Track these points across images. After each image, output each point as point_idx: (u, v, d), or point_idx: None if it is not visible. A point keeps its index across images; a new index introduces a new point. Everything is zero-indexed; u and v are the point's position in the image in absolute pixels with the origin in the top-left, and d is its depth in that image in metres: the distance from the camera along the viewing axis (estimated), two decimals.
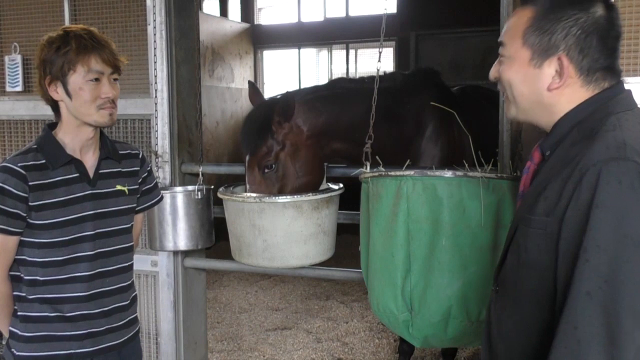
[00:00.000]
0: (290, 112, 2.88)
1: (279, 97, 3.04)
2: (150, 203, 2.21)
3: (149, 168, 2.19)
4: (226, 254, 3.07)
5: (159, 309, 3.42)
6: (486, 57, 6.82)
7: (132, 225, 2.08)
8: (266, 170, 2.88)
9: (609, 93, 1.35)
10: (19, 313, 1.90)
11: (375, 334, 4.49)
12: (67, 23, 3.32)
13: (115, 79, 1.93)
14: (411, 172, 2.37)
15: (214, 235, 3.27)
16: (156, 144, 3.28)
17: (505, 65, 1.44)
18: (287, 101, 2.88)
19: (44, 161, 1.85)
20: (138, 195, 2.12)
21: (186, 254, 3.40)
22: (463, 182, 2.33)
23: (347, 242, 3.81)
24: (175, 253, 3.35)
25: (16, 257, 1.86)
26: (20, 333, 1.90)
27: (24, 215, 1.81)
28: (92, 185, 1.93)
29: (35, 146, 1.89)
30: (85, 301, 1.91)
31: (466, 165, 2.66)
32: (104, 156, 1.99)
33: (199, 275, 3.63)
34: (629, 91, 1.38)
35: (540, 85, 1.37)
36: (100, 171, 1.97)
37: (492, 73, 1.51)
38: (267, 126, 2.89)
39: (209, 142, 7.22)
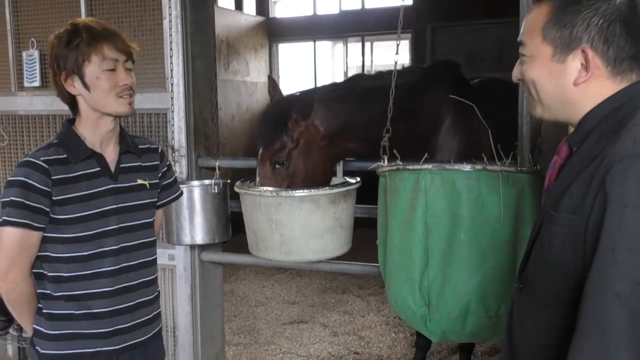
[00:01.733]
0: (309, 110, 2.87)
1: (298, 94, 3.03)
2: (170, 198, 2.20)
3: (168, 163, 2.18)
4: (242, 248, 3.07)
5: (177, 302, 3.43)
6: (503, 49, 6.73)
7: (153, 219, 2.07)
8: (277, 166, 2.87)
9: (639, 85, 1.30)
10: (44, 311, 1.88)
11: (391, 328, 4.47)
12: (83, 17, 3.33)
13: (129, 69, 1.91)
14: (429, 166, 2.34)
15: (231, 229, 3.27)
16: (172, 138, 3.28)
17: (527, 65, 1.41)
18: (306, 99, 2.87)
19: (65, 156, 1.84)
20: (158, 190, 2.11)
21: (203, 247, 3.41)
22: (482, 176, 2.30)
23: (363, 236, 3.78)
24: (192, 247, 3.36)
25: (39, 253, 1.84)
26: (45, 331, 1.88)
27: (47, 210, 1.79)
28: (113, 179, 1.92)
29: (55, 141, 1.87)
30: (111, 297, 1.90)
31: (485, 159, 2.62)
32: (124, 150, 1.98)
33: (215, 269, 3.63)
34: None
35: (566, 81, 1.33)
36: (121, 165, 1.96)
37: (515, 74, 1.48)
38: (284, 123, 2.88)
39: (224, 136, 7.22)
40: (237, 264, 4.39)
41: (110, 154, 1.94)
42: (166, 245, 3.29)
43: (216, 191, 3.09)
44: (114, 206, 1.90)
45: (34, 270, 1.87)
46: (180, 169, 3.30)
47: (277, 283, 5.68)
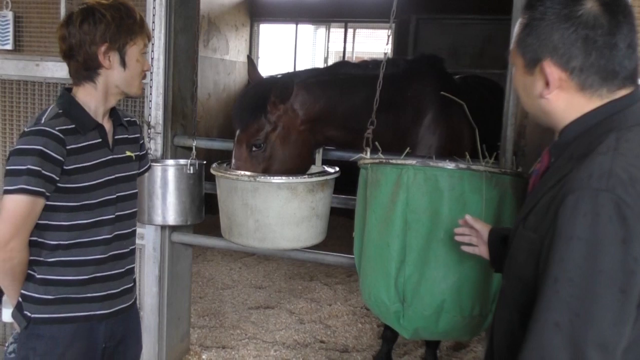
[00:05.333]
0: (288, 94, 2.82)
1: (279, 76, 2.96)
2: (144, 169, 2.26)
3: (143, 135, 2.30)
4: (212, 229, 3.01)
5: (144, 282, 3.35)
6: (485, 46, 6.74)
7: (137, 190, 2.14)
8: (254, 149, 2.83)
9: (620, 103, 1.26)
10: (38, 276, 1.90)
11: (358, 318, 4.46)
12: None
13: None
14: (413, 162, 2.31)
15: (204, 211, 3.20)
16: (149, 115, 3.18)
17: (514, 73, 1.42)
18: (286, 83, 2.82)
19: (74, 126, 1.87)
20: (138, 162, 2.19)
21: (174, 228, 3.34)
22: (465, 175, 2.28)
23: (334, 224, 3.74)
24: (163, 227, 3.29)
25: (38, 221, 1.85)
26: (37, 296, 1.90)
27: (57, 179, 1.81)
28: (111, 150, 1.98)
29: (60, 111, 1.88)
30: (105, 263, 1.96)
31: (468, 157, 2.60)
32: (117, 122, 2.04)
33: (185, 250, 3.56)
34: None
35: (535, 93, 1.33)
36: (116, 137, 2.02)
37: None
38: (262, 105, 2.83)
39: (199, 114, 7.08)
40: (209, 247, 4.32)
41: (107, 126, 2.00)
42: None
43: (191, 172, 3.02)
44: (113, 176, 1.97)
45: (30, 238, 1.88)
46: (156, 146, 3.21)
47: (245, 266, 5.62)
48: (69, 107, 1.89)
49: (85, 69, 1.89)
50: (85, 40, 1.85)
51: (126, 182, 2.04)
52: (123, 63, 1.91)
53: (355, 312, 4.56)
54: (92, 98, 1.93)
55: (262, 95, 2.84)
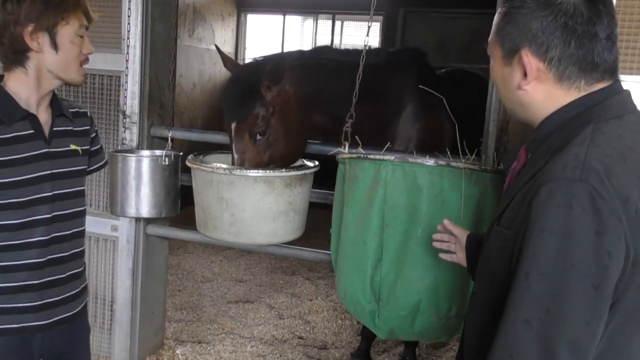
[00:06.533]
0: (281, 75, 2.72)
1: (262, 59, 2.87)
2: (98, 165, 2.09)
3: (96, 128, 2.09)
4: (191, 221, 2.93)
5: (117, 275, 3.28)
6: (474, 40, 6.68)
7: (84, 188, 1.96)
8: (258, 137, 2.71)
9: (598, 96, 1.23)
10: None
11: (338, 314, 4.41)
12: None
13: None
14: (391, 157, 2.25)
15: (179, 203, 3.12)
16: (125, 104, 3.10)
17: (491, 65, 1.38)
18: (278, 64, 2.71)
19: None
20: (88, 156, 2.01)
21: (149, 220, 3.26)
22: (445, 172, 2.22)
23: (315, 217, 3.66)
24: (138, 219, 3.20)
25: None
26: None
27: None
28: (47, 143, 1.80)
29: None
30: (41, 268, 1.78)
31: (448, 153, 2.54)
32: (57, 113, 1.86)
33: (161, 243, 3.48)
34: (627, 93, 1.25)
35: (512, 84, 1.29)
36: (55, 129, 1.84)
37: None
38: (256, 90, 2.70)
39: (184, 105, 6.99)
40: (184, 240, 4.24)
41: (43, 116, 1.81)
42: (109, 215, 3.12)
43: (167, 163, 2.93)
44: (49, 172, 1.79)
45: None
46: (131, 136, 3.13)
47: (226, 259, 5.54)
48: None
49: (12, 52, 1.72)
50: (9, 20, 1.68)
51: (67, 179, 1.85)
52: (54, 45, 1.72)
53: (336, 308, 4.50)
54: (23, 85, 1.75)
55: (251, 81, 2.72)
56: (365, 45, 2.64)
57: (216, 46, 3.18)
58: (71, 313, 1.90)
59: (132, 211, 2.95)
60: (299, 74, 2.82)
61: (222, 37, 7.75)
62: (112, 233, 3.24)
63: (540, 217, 1.08)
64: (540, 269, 1.07)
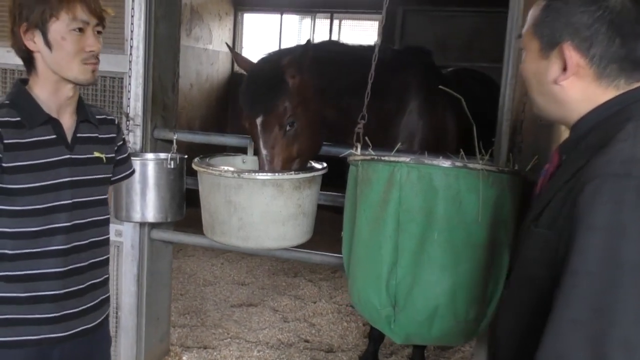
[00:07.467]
0: (307, 62, 2.63)
1: (275, 53, 2.80)
2: (123, 175, 2.04)
3: (124, 136, 2.03)
4: (193, 223, 2.87)
5: (121, 281, 3.22)
6: (474, 39, 6.64)
7: (107, 196, 1.90)
8: (288, 128, 2.60)
9: (637, 93, 1.20)
10: None
11: (343, 316, 4.36)
12: None
13: (99, 32, 1.73)
14: (406, 159, 2.19)
15: (185, 207, 3.06)
16: (128, 106, 3.04)
17: (523, 59, 1.36)
18: (303, 52, 2.62)
19: (19, 119, 1.64)
20: (113, 165, 1.94)
21: (153, 225, 3.19)
22: (462, 174, 2.16)
23: (322, 218, 3.61)
24: (142, 224, 3.14)
25: None
26: None
27: None
28: (69, 149, 1.75)
29: (7, 102, 1.67)
30: (61, 278, 1.74)
31: (462, 153, 2.50)
32: (82, 119, 1.80)
33: (165, 247, 3.43)
34: None
35: (548, 79, 1.26)
36: (78, 135, 1.78)
37: (520, 69, 1.42)
38: (282, 79, 2.61)
39: (181, 105, 6.91)
40: (190, 244, 4.17)
41: (67, 122, 1.76)
42: (113, 220, 3.04)
43: (172, 166, 2.88)
44: (69, 179, 1.74)
45: None
46: (134, 139, 3.07)
47: (227, 262, 5.49)
48: (17, 98, 1.68)
49: (20, 54, 1.69)
50: (12, 21, 1.65)
51: (88, 187, 1.80)
52: (47, 43, 1.65)
53: (340, 310, 4.45)
54: (40, 88, 1.70)
55: (275, 71, 2.63)
56: (377, 45, 2.59)
57: (227, 45, 3.12)
58: (91, 325, 1.85)
59: (137, 216, 2.89)
60: (316, 65, 2.75)
61: (219, 36, 7.68)
62: (116, 238, 3.18)
63: (587, 215, 1.06)
64: (588, 267, 1.04)
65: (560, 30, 1.22)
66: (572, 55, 1.21)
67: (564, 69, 1.22)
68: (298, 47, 2.94)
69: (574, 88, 1.23)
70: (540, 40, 1.27)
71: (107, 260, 1.93)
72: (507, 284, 1.46)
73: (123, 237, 3.17)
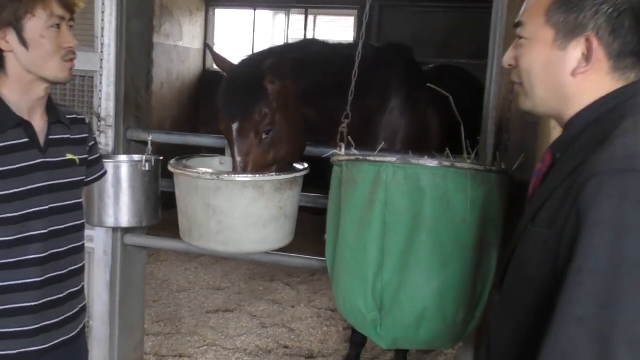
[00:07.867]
0: (285, 68, 2.57)
1: (257, 55, 2.72)
2: (96, 176, 1.96)
3: (95, 136, 1.96)
4: (167, 227, 2.76)
5: (93, 289, 3.07)
6: (450, 35, 6.63)
7: (82, 200, 1.83)
8: (264, 136, 2.53)
9: (632, 90, 1.18)
10: None
11: (323, 320, 4.27)
12: None
13: (71, 26, 1.67)
14: (392, 159, 2.13)
15: (160, 211, 2.95)
16: (99, 106, 2.91)
17: (524, 49, 1.27)
18: (282, 57, 2.58)
19: None
20: (86, 167, 1.86)
21: (126, 230, 3.07)
22: (449, 173, 2.11)
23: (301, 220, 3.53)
24: (115, 228, 3.01)
25: None
26: None
27: None
28: (43, 152, 1.67)
29: None
30: (39, 288, 1.67)
31: (447, 152, 2.44)
32: (53, 120, 1.72)
33: (139, 253, 3.30)
34: None
35: (563, 70, 1.21)
36: (51, 137, 1.70)
37: (507, 59, 1.34)
38: (260, 85, 2.54)
39: (152, 104, 6.77)
40: (166, 249, 4.04)
41: (39, 124, 1.68)
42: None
43: (147, 169, 2.76)
44: (46, 183, 1.67)
45: None
46: (107, 140, 2.94)
47: (201, 266, 5.35)
48: None
49: None
50: None
51: (65, 191, 1.73)
52: (23, 42, 1.58)
53: (320, 315, 4.37)
54: (10, 90, 1.62)
55: (254, 76, 2.55)
56: (360, 42, 2.54)
57: (207, 44, 3.03)
58: (70, 335, 1.79)
59: (110, 221, 2.77)
60: (297, 67, 2.67)
61: (190, 33, 7.53)
62: (88, 244, 3.00)
63: (591, 211, 1.03)
64: (592, 264, 1.02)
65: (581, 22, 1.18)
66: (597, 48, 1.17)
67: (587, 59, 1.18)
68: (278, 48, 2.88)
69: (588, 81, 1.20)
70: (556, 29, 1.21)
71: (84, 267, 1.88)
72: (497, 285, 1.42)
73: (95, 243, 3.03)
